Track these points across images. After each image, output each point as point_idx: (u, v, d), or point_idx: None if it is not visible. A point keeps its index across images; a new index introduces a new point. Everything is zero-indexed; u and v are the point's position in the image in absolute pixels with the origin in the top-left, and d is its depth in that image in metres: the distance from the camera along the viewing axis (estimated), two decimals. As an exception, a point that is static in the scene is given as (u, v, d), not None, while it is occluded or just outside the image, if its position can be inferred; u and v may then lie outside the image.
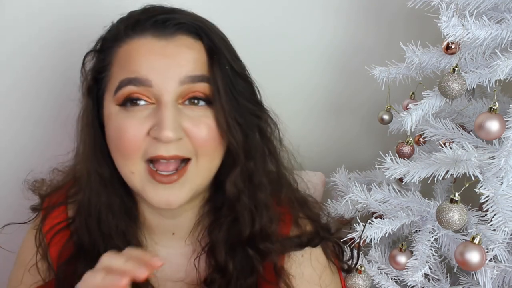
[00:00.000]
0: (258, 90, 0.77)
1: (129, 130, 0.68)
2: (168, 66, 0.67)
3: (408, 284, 0.87)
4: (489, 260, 0.79)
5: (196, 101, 0.69)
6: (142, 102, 0.68)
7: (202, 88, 0.69)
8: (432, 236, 0.86)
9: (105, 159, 0.73)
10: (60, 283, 0.78)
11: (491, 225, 0.78)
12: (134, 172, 0.70)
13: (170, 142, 0.67)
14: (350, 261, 0.87)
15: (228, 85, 0.70)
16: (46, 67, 1.08)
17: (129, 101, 0.68)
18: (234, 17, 1.07)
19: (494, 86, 0.80)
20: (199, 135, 0.69)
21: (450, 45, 0.84)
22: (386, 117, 1.00)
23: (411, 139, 0.92)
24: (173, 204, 0.70)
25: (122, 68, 0.69)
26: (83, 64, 0.76)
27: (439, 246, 0.88)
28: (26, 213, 0.86)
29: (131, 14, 0.74)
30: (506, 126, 0.76)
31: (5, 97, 1.09)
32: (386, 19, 1.17)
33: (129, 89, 0.68)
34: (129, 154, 0.69)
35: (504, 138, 0.76)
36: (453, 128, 0.88)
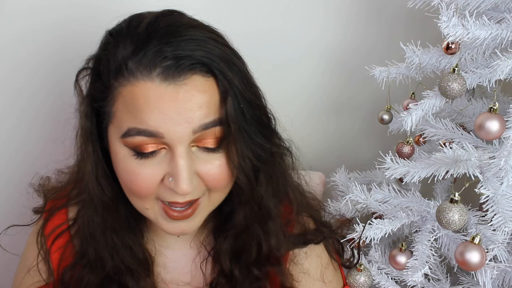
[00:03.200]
0: (274, 116, 0.75)
1: (142, 177, 0.66)
2: (179, 114, 0.62)
3: (408, 284, 0.87)
4: (489, 260, 0.79)
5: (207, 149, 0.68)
6: (153, 150, 0.65)
7: (214, 133, 0.66)
8: (432, 236, 0.86)
9: (108, 182, 0.72)
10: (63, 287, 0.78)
11: (491, 225, 0.78)
12: (148, 208, 0.70)
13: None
14: (351, 259, 0.88)
15: (241, 123, 0.67)
16: (44, 67, 1.07)
17: (140, 148, 0.65)
18: (234, 18, 1.08)
19: (494, 86, 0.80)
20: (211, 177, 0.68)
21: (450, 45, 0.84)
22: (386, 117, 1.00)
23: (411, 139, 0.92)
24: (186, 232, 0.72)
25: (128, 113, 0.64)
26: (77, 79, 0.71)
27: (439, 246, 0.88)
28: (29, 215, 0.86)
29: (132, 37, 0.65)
30: (506, 126, 0.76)
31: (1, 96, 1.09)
32: (386, 19, 1.17)
33: (139, 140, 0.64)
34: (142, 197, 0.68)
35: (504, 138, 0.76)
36: (453, 128, 0.87)
